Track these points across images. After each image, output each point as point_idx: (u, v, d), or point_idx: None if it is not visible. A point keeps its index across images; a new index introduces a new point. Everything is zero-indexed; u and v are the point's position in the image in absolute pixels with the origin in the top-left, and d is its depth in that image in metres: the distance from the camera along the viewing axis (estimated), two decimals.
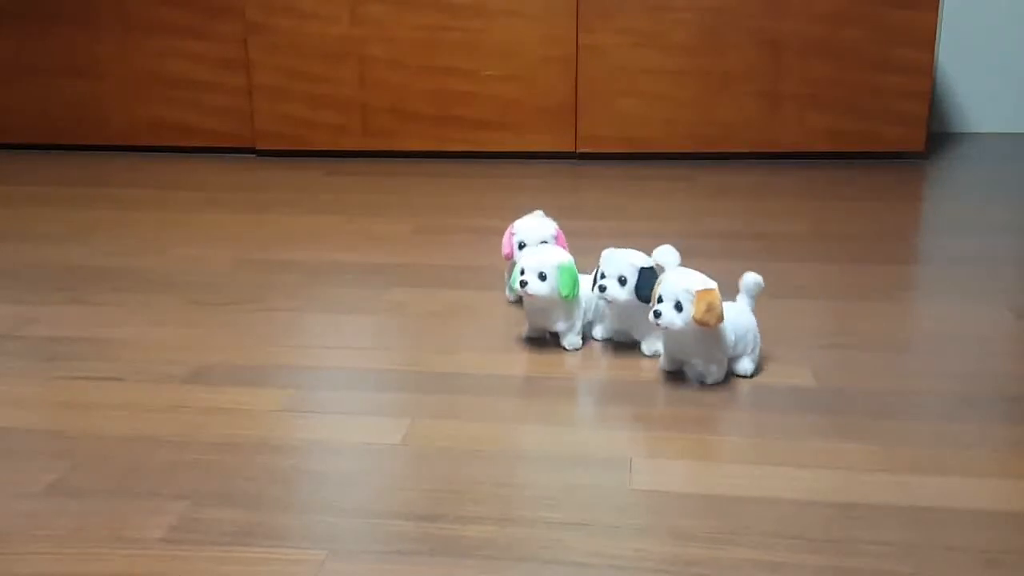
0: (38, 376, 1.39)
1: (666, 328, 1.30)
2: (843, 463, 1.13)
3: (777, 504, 1.05)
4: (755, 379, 1.36)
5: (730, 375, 1.36)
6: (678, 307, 1.28)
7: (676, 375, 1.37)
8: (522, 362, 1.42)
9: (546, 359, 1.43)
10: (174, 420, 1.25)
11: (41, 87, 2.93)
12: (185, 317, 1.61)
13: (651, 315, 1.30)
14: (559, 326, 1.46)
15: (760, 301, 1.41)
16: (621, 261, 1.40)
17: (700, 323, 1.27)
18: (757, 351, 1.37)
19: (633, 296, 1.39)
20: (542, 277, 1.41)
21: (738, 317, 1.35)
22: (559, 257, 1.42)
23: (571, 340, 1.46)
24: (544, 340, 1.49)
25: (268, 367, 1.41)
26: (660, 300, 1.30)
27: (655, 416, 1.25)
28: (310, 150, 2.87)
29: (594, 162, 2.78)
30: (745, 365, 1.36)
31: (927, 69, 2.66)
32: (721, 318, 1.29)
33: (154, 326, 1.58)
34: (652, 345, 1.43)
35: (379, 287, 1.75)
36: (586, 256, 1.54)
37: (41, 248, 2.01)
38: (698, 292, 1.27)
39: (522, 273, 1.41)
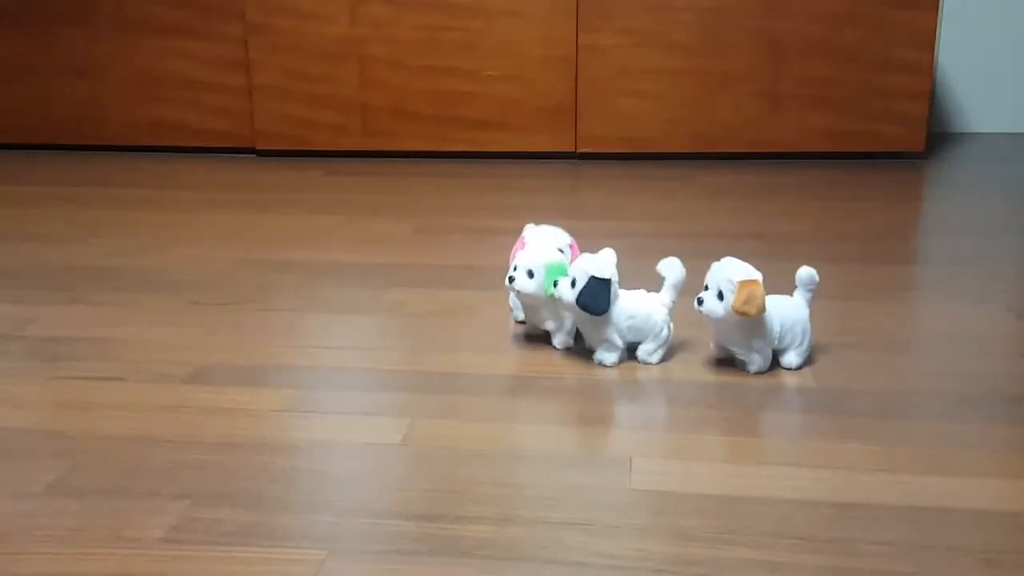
0: (38, 376, 1.39)
1: (707, 315, 1.32)
2: (843, 463, 1.13)
3: (777, 504, 1.05)
4: (755, 379, 1.36)
5: (775, 366, 1.38)
6: (720, 296, 1.31)
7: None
8: (522, 362, 1.42)
9: (546, 359, 1.43)
10: (174, 420, 1.25)
11: (41, 87, 2.93)
12: (185, 317, 1.61)
13: (695, 302, 1.33)
14: (548, 325, 1.46)
15: None
16: (576, 265, 1.36)
17: (739, 313, 1.29)
18: (806, 345, 1.38)
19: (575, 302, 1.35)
20: (531, 275, 1.41)
21: (787, 309, 1.36)
22: (550, 256, 1.41)
23: (560, 339, 1.46)
24: (545, 339, 1.49)
25: (268, 367, 1.41)
26: (706, 288, 1.33)
27: (655, 416, 1.25)
28: (310, 150, 2.87)
29: (594, 162, 2.78)
30: (790, 358, 1.38)
31: (927, 69, 2.66)
32: (762, 309, 1.30)
33: (154, 326, 1.58)
34: (601, 355, 1.40)
35: (379, 287, 1.75)
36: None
37: (41, 248, 2.01)
38: (739, 282, 1.30)
39: (514, 270, 1.42)
